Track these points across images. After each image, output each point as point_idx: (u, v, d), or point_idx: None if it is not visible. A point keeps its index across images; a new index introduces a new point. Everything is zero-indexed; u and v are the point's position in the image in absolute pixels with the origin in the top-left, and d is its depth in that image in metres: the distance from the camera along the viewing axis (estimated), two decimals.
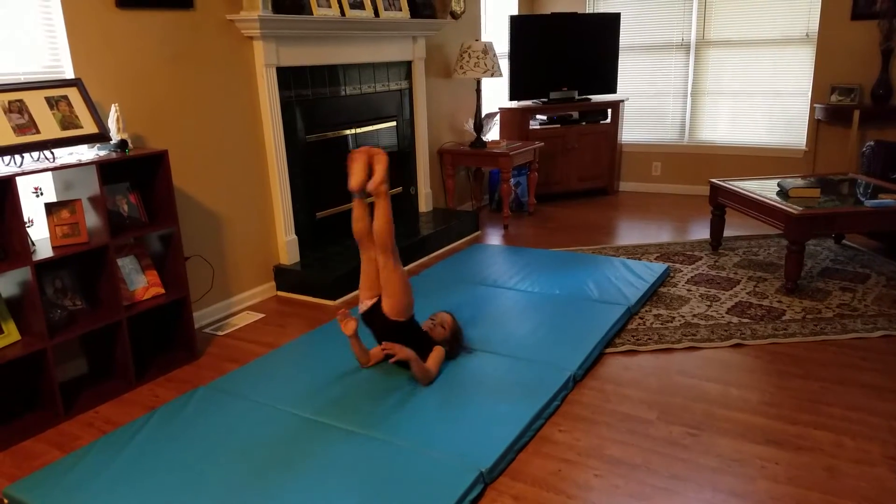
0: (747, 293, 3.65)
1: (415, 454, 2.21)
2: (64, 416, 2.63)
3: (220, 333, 3.41)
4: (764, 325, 3.25)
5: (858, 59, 5.22)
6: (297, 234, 4.04)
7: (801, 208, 3.52)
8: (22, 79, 2.73)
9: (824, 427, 2.40)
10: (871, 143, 4.50)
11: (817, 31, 5.36)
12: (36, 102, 2.60)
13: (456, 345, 2.90)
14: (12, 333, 2.56)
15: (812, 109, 5.49)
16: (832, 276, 3.86)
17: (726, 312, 3.40)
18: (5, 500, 2.07)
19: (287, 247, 3.96)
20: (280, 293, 3.97)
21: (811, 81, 5.48)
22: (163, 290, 3.02)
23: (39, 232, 2.74)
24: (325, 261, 4.04)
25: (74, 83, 2.75)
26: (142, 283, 2.97)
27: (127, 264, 2.94)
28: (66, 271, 2.82)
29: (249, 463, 2.20)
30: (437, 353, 2.76)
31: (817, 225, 3.53)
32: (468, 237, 4.99)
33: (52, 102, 2.65)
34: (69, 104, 2.69)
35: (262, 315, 3.64)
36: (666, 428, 2.42)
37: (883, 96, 5.06)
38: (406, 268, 4.29)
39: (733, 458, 2.24)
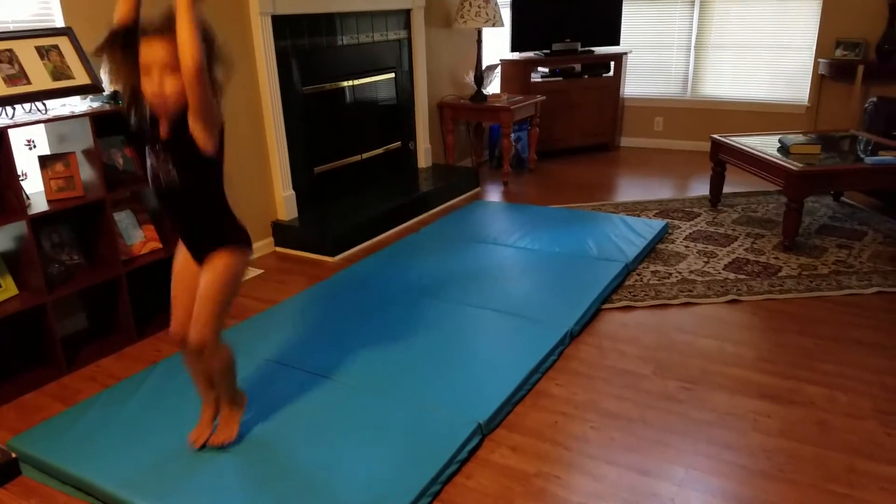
0: (745, 250, 3.65)
1: (415, 407, 2.24)
2: (66, 371, 2.65)
3: None
4: (760, 281, 3.26)
5: (865, 12, 5.11)
6: (294, 189, 4.01)
7: (801, 165, 3.50)
8: (11, 27, 2.66)
9: (818, 382, 2.43)
10: (874, 99, 4.44)
11: None
12: (26, 52, 2.55)
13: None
14: (10, 288, 2.56)
15: (816, 64, 5.40)
16: (829, 233, 3.86)
17: (723, 269, 3.41)
18: (13, 455, 2.10)
19: (285, 202, 3.94)
20: (278, 249, 3.97)
21: (816, 35, 5.38)
22: (161, 245, 3.01)
23: (34, 185, 2.72)
24: (324, 217, 4.02)
25: (65, 32, 2.68)
26: (139, 238, 2.96)
27: (124, 219, 2.92)
28: (62, 226, 2.81)
29: (249, 417, 2.23)
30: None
31: (817, 182, 3.52)
32: (468, 194, 4.96)
33: (42, 52, 2.59)
34: (60, 54, 2.64)
35: (261, 271, 3.65)
36: (661, 383, 2.46)
37: (888, 52, 4.97)
38: (405, 225, 4.29)
39: (727, 412, 2.27)
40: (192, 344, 1.89)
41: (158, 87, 1.70)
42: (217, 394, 2.08)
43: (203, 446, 2.06)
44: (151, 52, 1.69)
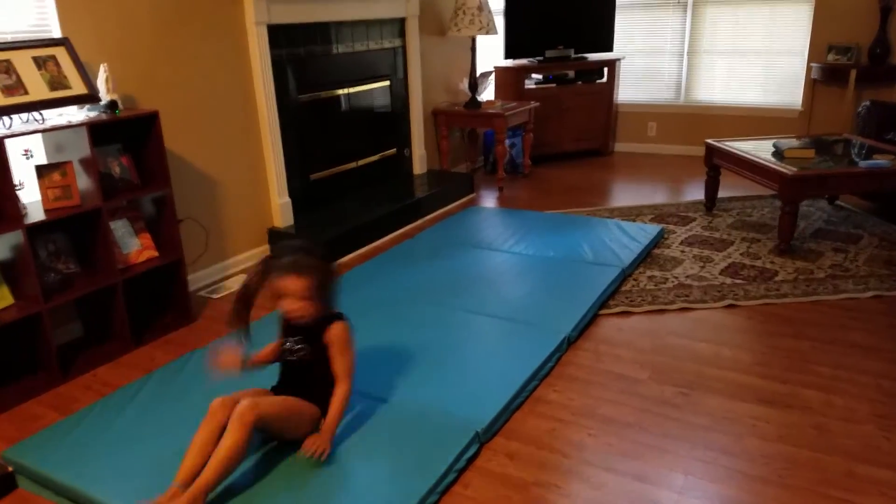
0: (740, 254, 3.66)
1: (412, 415, 2.23)
2: (62, 379, 2.64)
3: (216, 296, 3.41)
4: (756, 285, 3.27)
5: (857, 17, 5.15)
6: (290, 196, 4.01)
7: (795, 169, 3.52)
8: (8, 38, 2.66)
9: (814, 386, 2.44)
10: (867, 103, 4.47)
11: None
12: (23, 63, 2.55)
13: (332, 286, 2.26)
14: (5, 297, 2.55)
15: (808, 69, 5.44)
16: (825, 236, 3.88)
17: (719, 273, 3.42)
18: (9, 469, 2.08)
19: (281, 209, 3.94)
20: None
21: (808, 40, 5.42)
22: (157, 253, 3.01)
23: (31, 195, 2.71)
24: (320, 223, 4.02)
25: (62, 42, 2.69)
26: (135, 247, 2.95)
27: (120, 227, 2.92)
28: (59, 235, 2.80)
29: None
30: (341, 337, 2.13)
31: (811, 186, 3.53)
32: (463, 200, 4.96)
33: (39, 62, 2.59)
34: (57, 64, 2.64)
35: None
36: (658, 388, 2.46)
37: (880, 55, 5.02)
38: (401, 231, 4.29)
39: (724, 416, 2.28)
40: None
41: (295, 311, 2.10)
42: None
43: None
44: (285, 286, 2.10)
